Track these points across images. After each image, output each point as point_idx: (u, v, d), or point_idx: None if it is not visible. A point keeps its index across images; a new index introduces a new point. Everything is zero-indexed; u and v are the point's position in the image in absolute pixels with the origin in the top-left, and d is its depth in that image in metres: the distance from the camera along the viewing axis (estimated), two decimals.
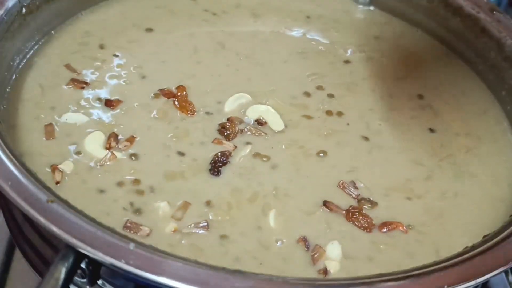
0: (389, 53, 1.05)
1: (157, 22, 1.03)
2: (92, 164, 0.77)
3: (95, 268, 0.60)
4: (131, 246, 0.55)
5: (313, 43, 1.05)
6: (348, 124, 0.88)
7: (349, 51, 1.04)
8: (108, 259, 0.55)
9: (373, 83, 0.98)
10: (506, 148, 0.90)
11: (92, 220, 0.58)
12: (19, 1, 0.87)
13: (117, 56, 0.94)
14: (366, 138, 0.87)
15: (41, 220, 0.56)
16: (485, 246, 0.63)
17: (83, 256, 0.57)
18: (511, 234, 0.65)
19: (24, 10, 0.88)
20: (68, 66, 0.90)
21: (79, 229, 0.57)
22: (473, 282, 0.58)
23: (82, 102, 0.85)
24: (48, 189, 0.61)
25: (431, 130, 0.90)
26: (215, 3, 1.08)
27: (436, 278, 0.59)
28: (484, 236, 0.70)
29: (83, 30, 0.98)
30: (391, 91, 0.96)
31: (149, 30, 1.01)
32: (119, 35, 0.98)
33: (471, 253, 0.62)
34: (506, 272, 1.00)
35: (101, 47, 0.96)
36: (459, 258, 0.62)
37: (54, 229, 0.56)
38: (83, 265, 0.59)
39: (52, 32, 0.95)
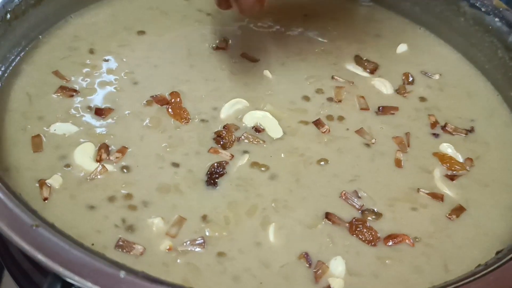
0: (392, 52, 1.02)
1: (148, 24, 0.99)
2: (82, 177, 0.73)
3: None
4: (122, 274, 0.51)
5: (311, 43, 1.00)
6: (347, 129, 0.84)
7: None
8: None
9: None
10: None
11: (80, 245, 0.54)
12: (3, 6, 0.83)
13: (107, 61, 0.90)
14: (367, 145, 0.83)
15: (26, 247, 0.53)
16: (499, 263, 0.59)
17: (71, 284, 0.53)
18: None
19: (9, 16, 0.84)
20: (56, 73, 0.86)
21: (66, 256, 0.53)
22: None
23: (72, 111, 0.82)
24: (33, 212, 0.57)
25: (435, 135, 0.86)
26: (208, 3, 1.04)
27: None
28: (497, 252, 0.66)
29: (72, 34, 0.95)
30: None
31: (141, 32, 0.97)
32: (109, 38, 0.95)
33: (484, 272, 0.58)
34: None
35: (91, 51, 0.92)
36: (472, 278, 0.58)
37: (40, 256, 0.52)
38: None
39: (40, 37, 0.92)
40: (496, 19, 0.93)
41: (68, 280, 0.51)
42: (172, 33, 0.98)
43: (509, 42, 0.91)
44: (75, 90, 0.84)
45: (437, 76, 0.96)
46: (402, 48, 1.01)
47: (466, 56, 1.00)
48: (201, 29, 1.00)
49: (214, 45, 0.96)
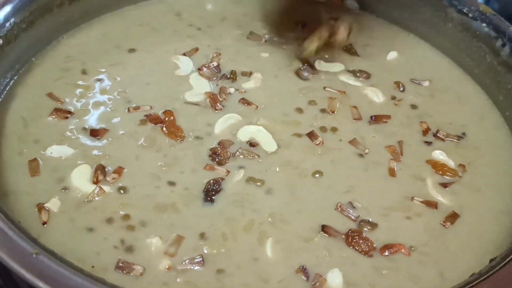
0: (383, 59, 1.02)
1: (139, 41, 1.00)
2: (80, 200, 0.74)
3: None
4: None
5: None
6: (341, 140, 0.85)
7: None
8: None
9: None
10: (507, 156, 0.87)
11: (79, 271, 0.55)
12: None
13: (100, 80, 0.91)
14: (361, 155, 0.84)
15: (26, 275, 0.53)
16: (492, 272, 0.60)
17: None
18: None
19: (1, 41, 0.85)
20: (50, 95, 0.87)
21: (66, 283, 0.54)
22: None
23: (67, 133, 0.83)
24: (32, 239, 0.58)
25: (428, 143, 0.87)
26: (199, 18, 1.05)
27: None
28: (491, 260, 0.67)
29: (65, 55, 0.95)
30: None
31: (132, 50, 0.98)
32: (101, 58, 0.95)
33: (478, 280, 0.59)
34: None
35: (84, 72, 0.93)
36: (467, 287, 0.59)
37: (41, 284, 0.53)
38: None
39: (33, 59, 0.92)
40: (484, 24, 0.94)
41: None
42: (163, 49, 0.99)
43: (497, 47, 0.93)
44: (69, 112, 0.85)
45: (427, 83, 0.97)
46: (392, 55, 1.02)
47: (456, 62, 1.01)
48: (192, 44, 1.00)
49: (205, 60, 0.97)
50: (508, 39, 0.91)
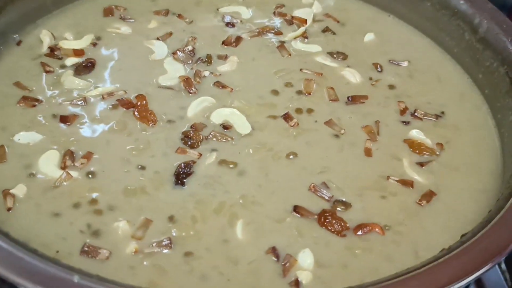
0: (360, 41, 1.01)
1: (113, 27, 0.98)
2: (47, 186, 0.73)
3: None
4: (76, 278, 0.51)
5: (279, 36, 1.00)
6: (316, 121, 0.83)
7: None
8: None
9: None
10: (486, 135, 0.85)
11: (33, 252, 0.54)
12: None
13: (72, 66, 0.90)
14: (336, 136, 0.82)
15: None
16: (462, 247, 0.59)
17: None
18: (489, 232, 0.60)
19: None
20: (18, 84, 0.86)
21: (19, 264, 0.52)
22: None
23: (36, 120, 0.81)
24: None
25: (405, 122, 0.85)
26: (174, 2, 1.04)
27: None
28: (462, 236, 0.65)
29: (35, 43, 0.94)
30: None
31: (106, 35, 0.96)
32: (73, 44, 0.94)
33: (446, 257, 0.57)
34: (498, 263, 0.96)
35: (55, 59, 0.91)
36: (436, 262, 0.57)
37: None
38: None
39: (1, 47, 0.90)
40: (461, 2, 0.93)
41: None
42: (138, 33, 0.98)
43: (475, 24, 0.91)
44: (37, 100, 0.83)
45: (405, 63, 0.96)
46: (369, 36, 1.00)
47: (435, 41, 0.99)
48: (167, 29, 0.99)
49: (180, 44, 0.95)
50: (485, 15, 0.89)
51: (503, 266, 0.95)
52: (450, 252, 0.59)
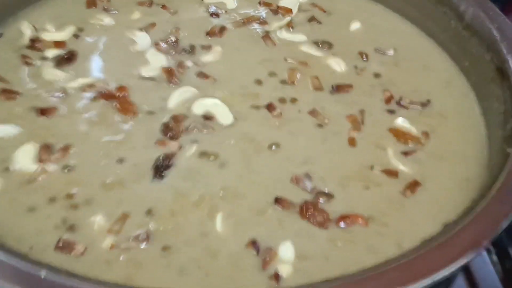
0: (345, 29, 0.99)
1: (96, 18, 0.97)
2: (22, 180, 0.71)
3: None
4: (43, 274, 0.49)
5: (265, 26, 0.98)
6: (299, 111, 0.82)
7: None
8: None
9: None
10: (472, 122, 0.84)
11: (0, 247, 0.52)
12: None
13: (53, 59, 0.88)
14: (320, 126, 0.80)
15: None
16: (443, 237, 0.57)
17: None
18: (471, 221, 0.58)
19: None
20: None
21: None
22: (429, 280, 0.52)
23: (14, 113, 0.80)
24: None
25: (390, 111, 0.84)
26: None
27: (387, 280, 0.53)
28: (445, 226, 0.64)
29: (15, 34, 0.92)
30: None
31: (88, 26, 0.95)
32: (54, 36, 0.92)
33: (428, 247, 0.56)
34: (488, 252, 0.95)
35: (35, 50, 0.90)
36: (417, 254, 0.55)
37: None
38: None
39: None
40: None
41: None
42: (120, 24, 0.96)
43: (461, 11, 0.89)
44: (16, 92, 0.82)
45: (391, 52, 0.94)
46: (355, 26, 0.99)
47: (422, 29, 0.98)
48: (150, 20, 0.97)
49: (162, 34, 0.94)
50: (471, 2, 0.87)
51: (495, 258, 0.94)
52: (431, 242, 0.57)
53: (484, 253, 0.94)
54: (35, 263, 0.52)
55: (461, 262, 0.54)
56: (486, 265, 0.92)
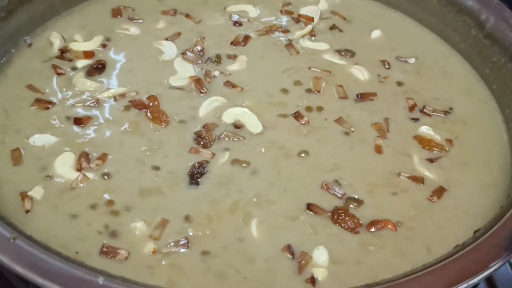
0: (367, 38, 1.02)
1: (122, 28, 1.00)
2: (63, 187, 0.74)
3: None
4: (100, 280, 0.52)
5: (287, 34, 1.01)
6: (326, 119, 0.84)
7: None
8: None
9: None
10: (494, 129, 0.86)
11: (58, 254, 0.55)
12: None
13: (81, 69, 0.91)
14: (347, 133, 0.83)
15: (4, 260, 0.53)
16: (476, 243, 0.60)
17: None
18: (502, 227, 0.61)
19: None
20: (30, 87, 0.87)
21: (44, 266, 0.54)
22: (464, 285, 0.55)
23: (50, 122, 0.82)
24: (11, 225, 0.58)
25: (414, 119, 0.86)
26: (181, 1, 1.05)
27: (424, 285, 0.56)
28: (475, 232, 0.66)
29: (45, 45, 0.95)
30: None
31: (115, 37, 0.97)
32: (83, 46, 0.94)
33: (461, 253, 0.58)
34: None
35: (66, 61, 0.92)
36: (450, 258, 0.58)
37: (18, 268, 0.53)
38: None
39: (12, 50, 0.91)
40: None
41: None
42: (146, 33, 0.99)
43: (482, 20, 0.92)
44: (51, 102, 0.84)
45: (413, 60, 0.97)
46: (376, 33, 1.01)
47: (441, 37, 1.00)
48: (175, 29, 1.00)
49: (189, 44, 0.96)
50: (492, 11, 0.90)
51: None
52: (464, 248, 0.60)
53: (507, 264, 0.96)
54: (91, 269, 0.55)
55: (494, 267, 0.57)
56: (505, 269, 0.94)
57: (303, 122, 0.84)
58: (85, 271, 0.54)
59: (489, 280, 0.89)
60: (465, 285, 0.55)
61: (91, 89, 0.88)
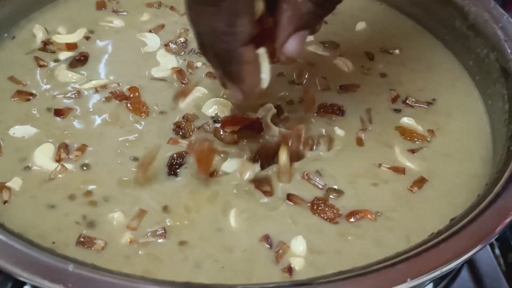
0: (351, 30, 1.02)
1: (105, 20, 1.00)
2: (42, 178, 0.73)
3: None
4: (70, 267, 0.51)
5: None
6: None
7: None
8: (46, 284, 0.51)
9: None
10: (476, 120, 0.86)
11: (29, 243, 0.54)
12: None
13: (63, 61, 0.90)
14: (330, 124, 0.83)
15: None
16: (451, 231, 0.59)
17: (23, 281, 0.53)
18: (477, 216, 0.61)
19: None
20: (12, 79, 0.86)
21: (14, 254, 0.53)
22: (437, 272, 0.54)
23: (30, 114, 0.82)
24: None
25: (397, 110, 0.86)
26: None
27: (397, 272, 0.56)
28: (451, 220, 0.66)
29: (28, 37, 0.95)
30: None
31: (98, 29, 0.97)
32: (66, 38, 0.94)
33: (435, 241, 0.58)
34: (491, 245, 0.97)
35: (48, 53, 0.92)
36: (423, 247, 0.58)
37: None
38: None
39: None
40: None
41: (17, 277, 0.52)
42: (129, 26, 0.98)
43: (465, 11, 0.91)
44: (32, 94, 0.84)
45: (397, 51, 0.96)
46: (361, 25, 1.01)
47: (427, 29, 1.00)
48: (159, 21, 0.99)
49: (173, 37, 0.96)
50: (475, 2, 0.90)
51: (497, 251, 0.96)
52: (438, 235, 0.60)
53: (488, 247, 0.96)
54: (62, 257, 0.54)
55: (468, 255, 0.56)
56: (489, 258, 0.94)
57: (283, 117, 0.84)
58: (55, 259, 0.53)
59: (472, 269, 0.89)
60: (438, 272, 0.55)
61: (73, 81, 0.88)
